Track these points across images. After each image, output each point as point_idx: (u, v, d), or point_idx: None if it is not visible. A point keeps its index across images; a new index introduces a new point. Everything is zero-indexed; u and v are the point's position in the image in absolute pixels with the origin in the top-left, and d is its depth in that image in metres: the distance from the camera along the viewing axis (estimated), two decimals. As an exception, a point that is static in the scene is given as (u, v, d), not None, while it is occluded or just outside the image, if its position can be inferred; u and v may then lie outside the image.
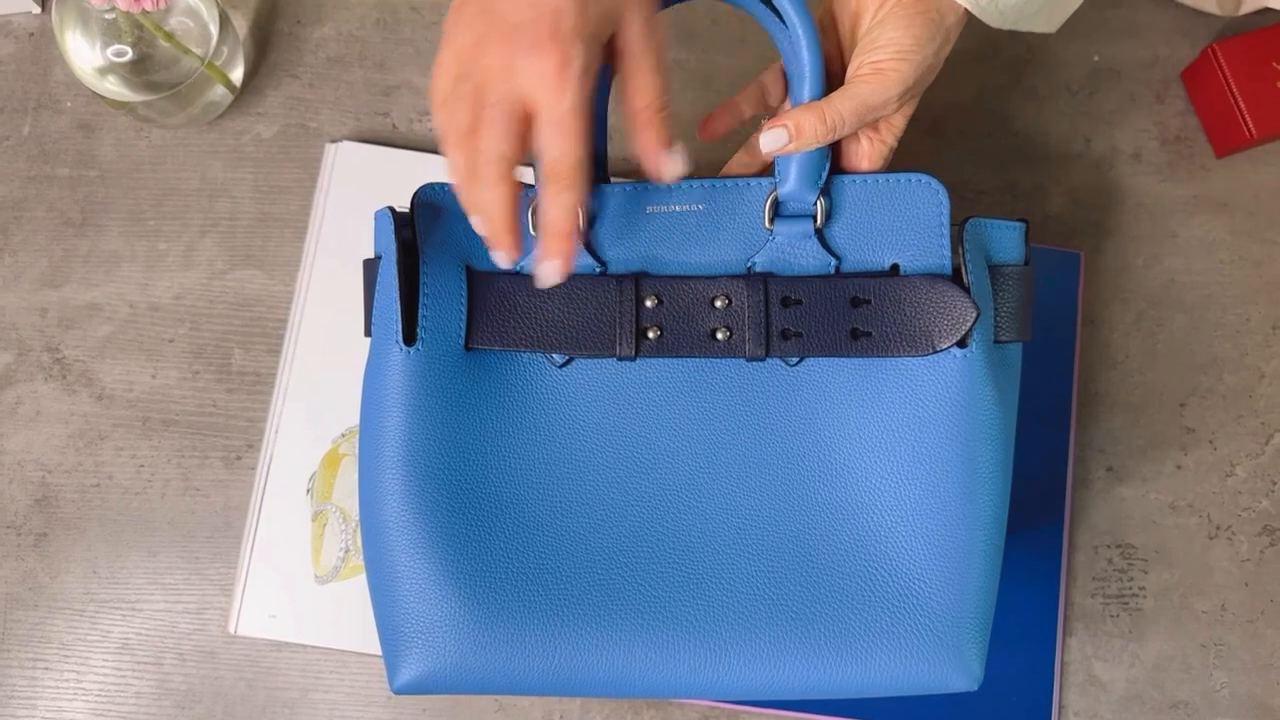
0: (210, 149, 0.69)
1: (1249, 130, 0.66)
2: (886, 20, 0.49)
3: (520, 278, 0.50)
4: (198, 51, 0.64)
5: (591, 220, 0.51)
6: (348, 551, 0.64)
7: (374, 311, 0.51)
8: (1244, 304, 0.68)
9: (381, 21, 0.71)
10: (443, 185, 0.51)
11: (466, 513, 0.49)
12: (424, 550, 0.49)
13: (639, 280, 0.50)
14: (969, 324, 0.48)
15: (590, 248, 0.51)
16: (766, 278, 0.50)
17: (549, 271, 0.46)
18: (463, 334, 0.50)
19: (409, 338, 0.49)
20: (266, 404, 0.66)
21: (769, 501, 0.50)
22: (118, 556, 0.65)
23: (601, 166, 0.52)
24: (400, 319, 0.49)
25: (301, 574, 0.64)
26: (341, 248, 0.67)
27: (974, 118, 0.70)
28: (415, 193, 0.50)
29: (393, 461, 0.49)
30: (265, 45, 0.71)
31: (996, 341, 0.51)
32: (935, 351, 0.49)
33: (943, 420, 0.49)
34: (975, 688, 0.50)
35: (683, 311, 0.50)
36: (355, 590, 0.63)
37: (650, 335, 0.50)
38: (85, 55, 0.64)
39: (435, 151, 0.69)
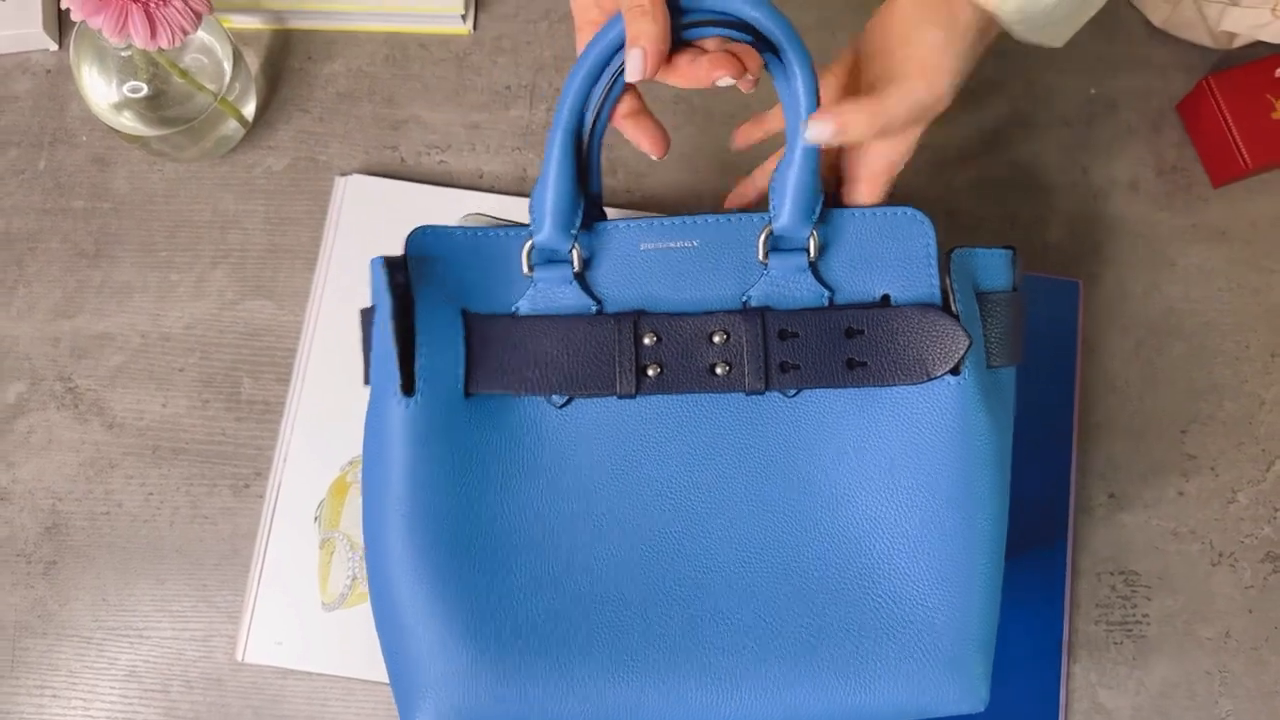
0: (222, 182, 0.70)
1: (1244, 161, 0.67)
2: (922, 24, 0.50)
3: (518, 320, 0.51)
4: (211, 87, 0.66)
5: (587, 259, 0.51)
6: (355, 579, 0.64)
7: (372, 360, 0.51)
8: (1243, 331, 0.68)
9: (390, 58, 0.72)
10: (436, 228, 0.51)
11: (472, 561, 0.49)
12: (431, 601, 0.49)
13: (637, 318, 0.50)
14: (961, 351, 0.49)
15: (586, 287, 0.51)
16: (764, 312, 0.50)
17: (635, 59, 0.47)
18: (461, 380, 0.49)
19: (408, 388, 0.49)
20: (275, 433, 0.67)
21: (772, 533, 0.51)
22: (126, 584, 0.66)
23: (597, 204, 0.52)
24: (398, 369, 0.49)
25: (309, 601, 0.64)
26: (351, 278, 0.68)
27: (973, 149, 0.71)
28: (407, 238, 0.50)
29: (396, 513, 0.49)
30: (277, 81, 0.72)
31: (989, 367, 0.51)
32: (930, 379, 0.49)
33: (939, 446, 0.49)
34: (982, 708, 0.50)
35: (682, 348, 0.50)
36: (362, 617, 0.64)
37: (650, 373, 0.50)
38: (101, 91, 0.66)
39: (442, 184, 0.70)
